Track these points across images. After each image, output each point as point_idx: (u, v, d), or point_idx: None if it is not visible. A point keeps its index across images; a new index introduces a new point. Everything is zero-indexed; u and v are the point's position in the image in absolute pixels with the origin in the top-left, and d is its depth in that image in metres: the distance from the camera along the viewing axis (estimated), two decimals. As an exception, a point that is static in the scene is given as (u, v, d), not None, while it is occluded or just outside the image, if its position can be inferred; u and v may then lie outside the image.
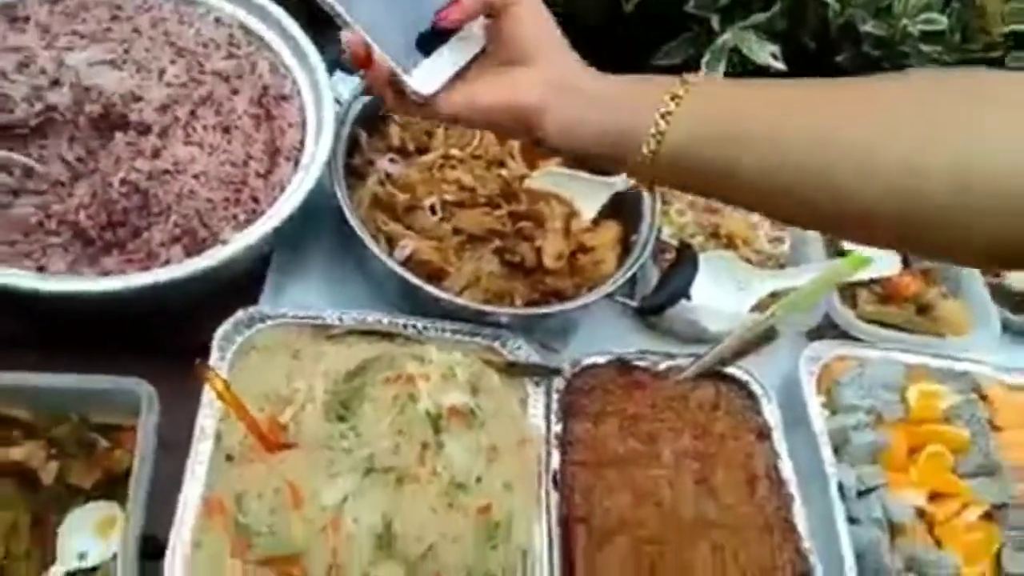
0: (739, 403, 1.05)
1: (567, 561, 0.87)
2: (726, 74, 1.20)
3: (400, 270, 0.94)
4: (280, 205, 0.92)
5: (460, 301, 0.95)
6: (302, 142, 1.00)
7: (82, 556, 0.74)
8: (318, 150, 0.98)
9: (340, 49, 1.13)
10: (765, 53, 1.18)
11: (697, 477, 0.97)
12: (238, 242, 0.87)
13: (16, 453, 0.75)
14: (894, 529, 0.97)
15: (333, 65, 1.10)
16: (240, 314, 0.89)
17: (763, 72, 1.19)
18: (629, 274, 1.02)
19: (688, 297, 1.09)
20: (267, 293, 0.99)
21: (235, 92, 1.01)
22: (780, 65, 1.19)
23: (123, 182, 0.89)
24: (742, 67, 1.21)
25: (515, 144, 1.18)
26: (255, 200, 0.94)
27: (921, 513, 1.00)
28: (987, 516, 1.03)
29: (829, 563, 0.93)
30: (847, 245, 1.19)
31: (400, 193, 1.04)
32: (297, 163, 0.98)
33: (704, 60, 1.24)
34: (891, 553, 0.94)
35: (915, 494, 1.01)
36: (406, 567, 0.76)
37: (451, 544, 0.78)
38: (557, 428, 0.95)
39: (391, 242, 1.01)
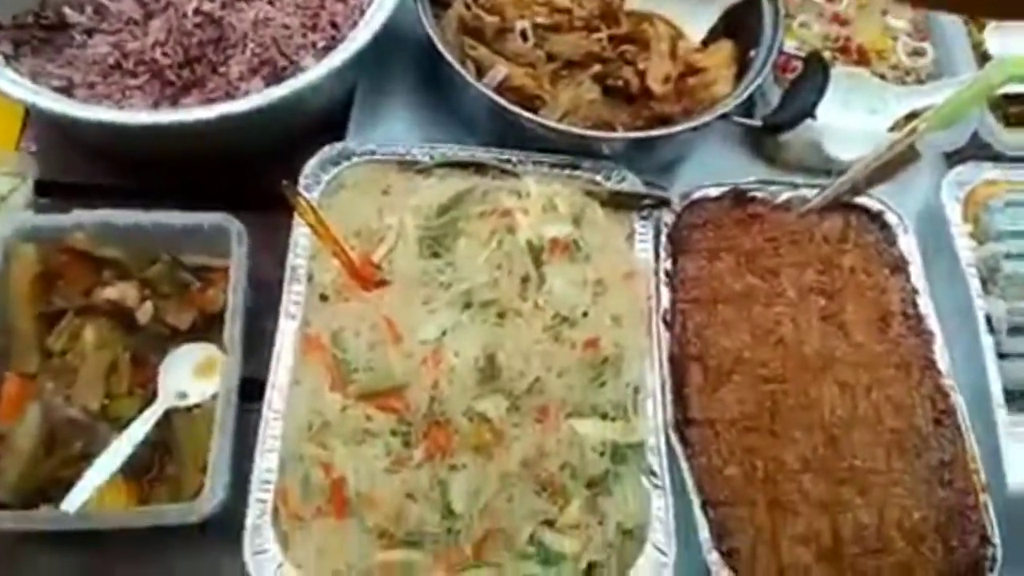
0: (871, 235, 0.92)
1: (680, 400, 0.79)
2: None
3: (493, 96, 0.84)
4: (361, 30, 0.82)
5: (560, 127, 0.84)
6: (382, -38, 0.89)
7: (182, 395, 0.71)
8: (398, -29, 0.86)
9: None
10: None
11: (824, 313, 0.86)
12: (318, 69, 0.78)
13: (111, 292, 0.72)
14: (1052, 366, 0.84)
15: None
16: (326, 150, 0.82)
17: None
18: (747, 93, 0.88)
19: (814, 116, 0.95)
20: (353, 128, 0.91)
21: (309, -95, 0.90)
22: None
23: (196, 12, 0.82)
24: None
25: (614, -38, 1.03)
26: (334, 25, 0.85)
27: (1084, 349, 0.86)
28: None
29: (974, 401, 0.82)
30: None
31: (488, 16, 0.92)
32: (377, -16, 0.87)
33: None
34: (1048, 391, 0.82)
35: (1076, 328, 0.87)
36: (510, 400, 0.70)
37: (557, 378, 0.71)
38: (667, 264, 0.85)
39: (480, 69, 0.90)
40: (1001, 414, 0.81)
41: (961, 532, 0.77)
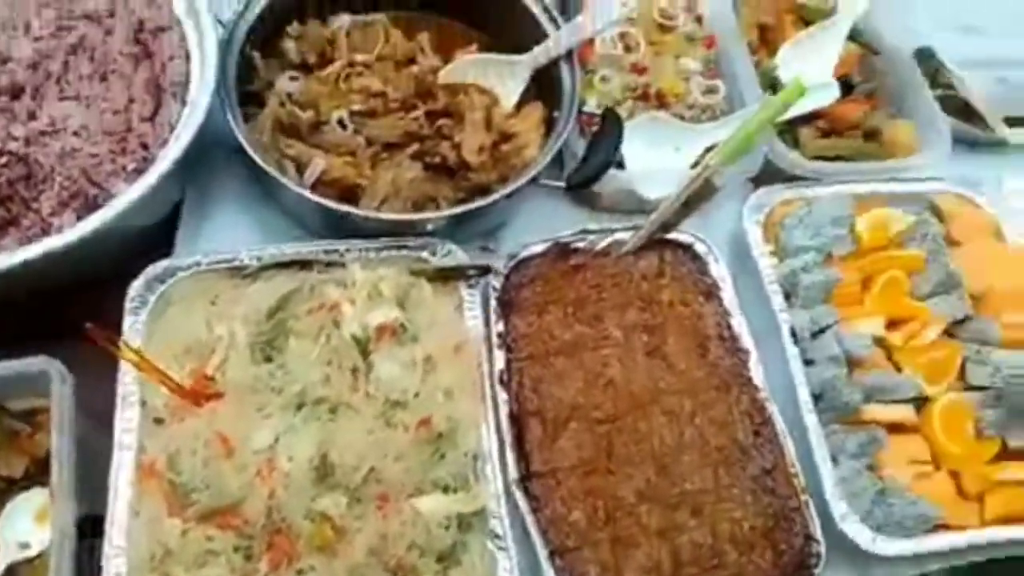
0: (685, 267, 0.98)
1: (523, 455, 0.83)
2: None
3: (309, 195, 0.86)
4: (171, 148, 0.83)
5: (377, 215, 0.87)
6: (187, 75, 0.90)
7: (24, 546, 0.71)
8: (204, 81, 0.88)
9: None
10: None
11: (647, 348, 0.92)
12: (129, 195, 0.79)
13: (-64, 453, 0.71)
14: (852, 363, 0.92)
15: (210, -15, 0.97)
16: (150, 269, 0.83)
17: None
18: (551, 155, 0.93)
19: (621, 166, 1.01)
20: (181, 241, 0.91)
21: (109, 33, 0.91)
22: None
23: (1, 153, 0.81)
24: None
25: (425, 37, 1.07)
26: (144, 147, 0.85)
27: (880, 342, 0.94)
28: (948, 334, 0.97)
29: (787, 407, 0.89)
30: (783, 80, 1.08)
31: (302, 111, 0.95)
32: (185, 98, 0.89)
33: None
34: (849, 387, 0.89)
35: (872, 324, 0.95)
36: (348, 494, 0.72)
37: (394, 463, 0.74)
38: (499, 327, 0.89)
39: (300, 166, 0.92)
40: (811, 419, 0.88)
41: (788, 535, 0.83)
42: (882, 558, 0.83)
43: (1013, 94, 1.15)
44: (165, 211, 0.91)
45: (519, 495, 0.80)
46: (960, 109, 1.15)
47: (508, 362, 0.87)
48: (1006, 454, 0.91)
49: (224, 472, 0.70)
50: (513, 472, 0.81)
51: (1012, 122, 1.17)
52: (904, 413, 0.91)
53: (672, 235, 0.98)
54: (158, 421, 0.75)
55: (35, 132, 0.82)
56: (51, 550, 0.67)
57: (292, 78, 0.99)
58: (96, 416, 0.75)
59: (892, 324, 0.96)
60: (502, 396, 0.85)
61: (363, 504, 0.72)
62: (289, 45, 1.01)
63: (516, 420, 0.85)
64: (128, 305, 0.80)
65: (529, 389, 0.87)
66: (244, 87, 0.96)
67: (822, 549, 0.82)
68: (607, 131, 0.95)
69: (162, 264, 0.83)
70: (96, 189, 0.82)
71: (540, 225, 0.99)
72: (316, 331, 0.79)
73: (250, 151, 0.86)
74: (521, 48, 1.03)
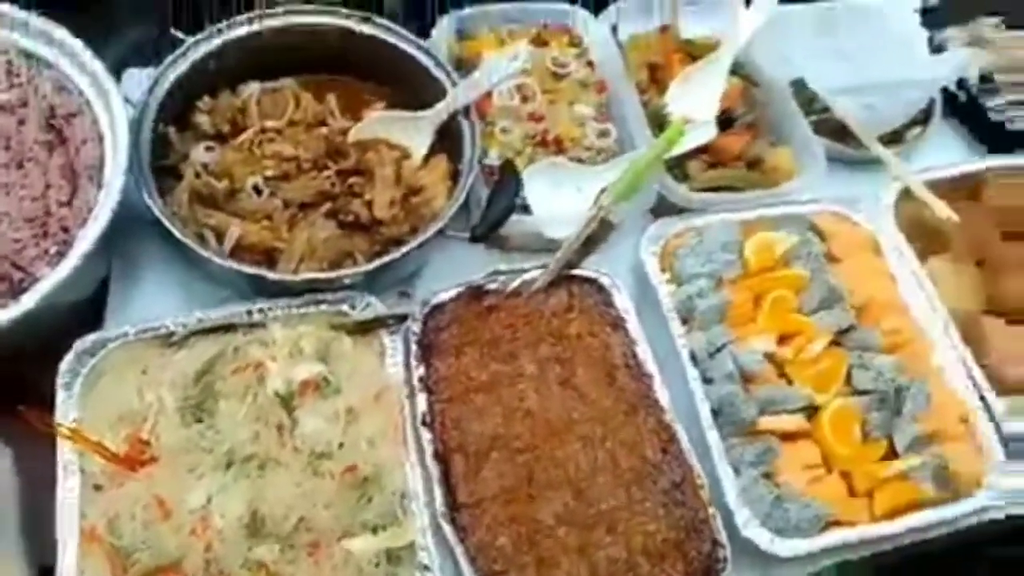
0: (591, 299, 1.06)
1: (449, 489, 0.90)
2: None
3: (226, 262, 0.92)
4: (90, 228, 0.88)
5: (291, 278, 0.93)
6: (101, 157, 0.95)
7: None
8: (117, 162, 0.93)
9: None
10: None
11: (560, 380, 0.99)
12: (53, 277, 0.84)
13: None
14: (747, 379, 1.00)
15: (119, 65, 1.03)
16: (79, 344, 0.87)
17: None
18: (455, 207, 1.00)
19: (527, 210, 1.09)
20: (110, 314, 0.96)
21: (22, 122, 0.96)
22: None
23: (-75, 245, 0.85)
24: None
25: (333, 99, 1.14)
26: (65, 229, 0.90)
27: (772, 357, 1.03)
28: (835, 343, 1.06)
29: (690, 424, 0.97)
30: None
31: (218, 181, 1.01)
32: (100, 180, 0.94)
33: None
34: (746, 402, 0.98)
35: (764, 341, 1.04)
36: (281, 542, 0.78)
37: (322, 510, 0.80)
38: (419, 371, 0.96)
39: (219, 234, 0.98)
40: (712, 435, 0.96)
41: (697, 543, 0.91)
42: (781, 559, 0.91)
43: (880, 116, 1.26)
44: (92, 287, 0.95)
45: (446, 526, 0.86)
46: (836, 131, 1.27)
47: (430, 404, 0.94)
48: (893, 453, 1.01)
49: (162, 533, 0.76)
50: (440, 505, 0.87)
51: (886, 140, 1.28)
52: (796, 422, 0.99)
53: (578, 271, 1.07)
54: (97, 488, 0.79)
55: (-43, 222, 0.87)
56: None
57: (207, 148, 1.05)
58: (42, 479, 0.78)
59: (783, 339, 1.05)
60: (426, 436, 0.91)
61: (296, 550, 0.78)
62: (201, 118, 1.07)
63: (441, 457, 0.91)
64: (60, 380, 0.84)
65: (451, 427, 0.94)
66: (160, 162, 1.01)
67: (728, 553, 0.90)
68: (504, 183, 1.03)
69: (91, 338, 0.88)
70: (21, 273, 0.86)
71: (454, 269, 1.06)
72: (242, 391, 0.85)
73: (168, 225, 0.91)
74: (425, 104, 1.11)
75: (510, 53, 1.11)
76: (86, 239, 0.87)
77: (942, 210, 1.13)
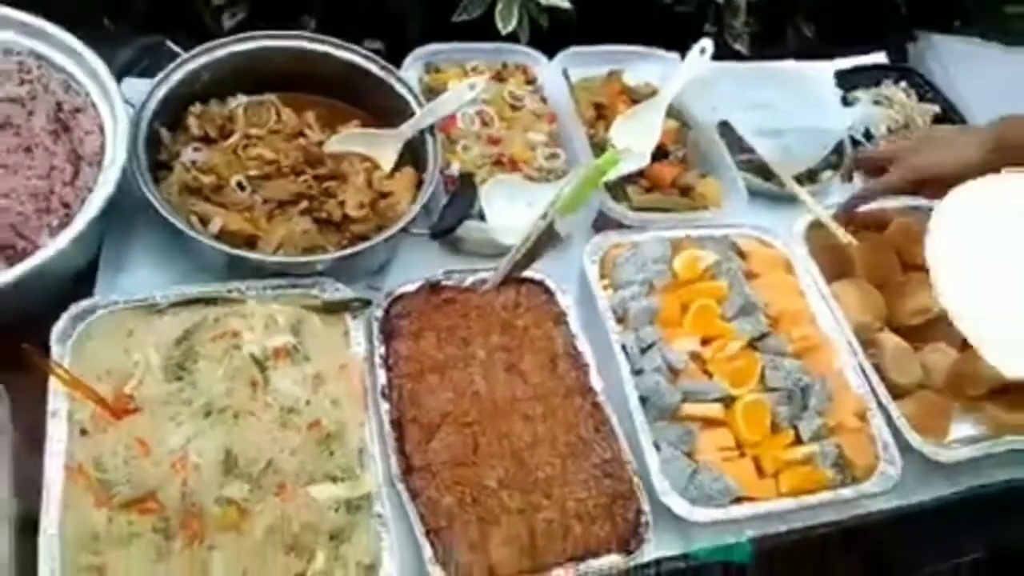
0: (538, 299, 1.19)
1: (403, 454, 1.00)
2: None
3: (212, 242, 1.03)
4: (88, 208, 0.99)
5: (271, 258, 1.05)
6: (102, 146, 1.06)
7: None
8: (117, 151, 1.04)
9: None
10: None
11: (507, 365, 1.11)
12: (53, 246, 0.94)
13: None
14: (673, 373, 1.14)
15: (122, 73, 1.15)
16: (73, 307, 0.96)
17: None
18: (418, 208, 1.13)
19: (483, 218, 1.23)
20: (100, 286, 1.06)
21: (31, 113, 1.07)
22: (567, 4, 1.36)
23: (-64, 212, 0.94)
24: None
25: (311, 115, 1.27)
26: (66, 205, 1.00)
27: (696, 356, 1.17)
28: (751, 347, 1.21)
29: (620, 408, 1.09)
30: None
31: (205, 176, 1.12)
32: (100, 165, 1.04)
33: (498, 10, 1.37)
34: (670, 391, 1.11)
35: (689, 341, 1.18)
36: (251, 483, 0.87)
37: (289, 456, 0.89)
38: (381, 350, 1.07)
39: (204, 221, 1.09)
40: (639, 417, 1.08)
41: (624, 510, 1.02)
42: (698, 524, 1.03)
43: (795, 156, 1.45)
44: (86, 260, 1.05)
45: (400, 486, 0.97)
46: (758, 170, 1.45)
47: (389, 379, 1.05)
48: (799, 442, 1.15)
49: (143, 467, 0.84)
50: (395, 468, 0.98)
51: (800, 179, 1.46)
52: (715, 410, 1.13)
53: (528, 273, 1.20)
54: (83, 432, 0.88)
55: (-31, 195, 0.97)
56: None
57: (196, 149, 1.16)
58: (27, 432, 0.87)
59: (705, 341, 1.20)
60: (384, 406, 1.02)
61: (264, 491, 0.87)
62: (192, 121, 1.19)
63: (397, 425, 1.02)
64: (54, 336, 0.93)
65: (407, 400, 1.04)
66: (153, 158, 1.12)
67: (650, 519, 1.01)
68: (462, 190, 1.17)
69: (84, 303, 0.97)
70: (25, 242, 0.96)
71: (415, 269, 1.18)
72: (220, 354, 0.95)
73: (159, 208, 1.02)
74: (394, 123, 1.25)
75: (471, 82, 1.26)
76: (85, 213, 0.97)
77: (844, 236, 1.30)
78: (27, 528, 0.82)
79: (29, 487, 0.85)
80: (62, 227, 0.98)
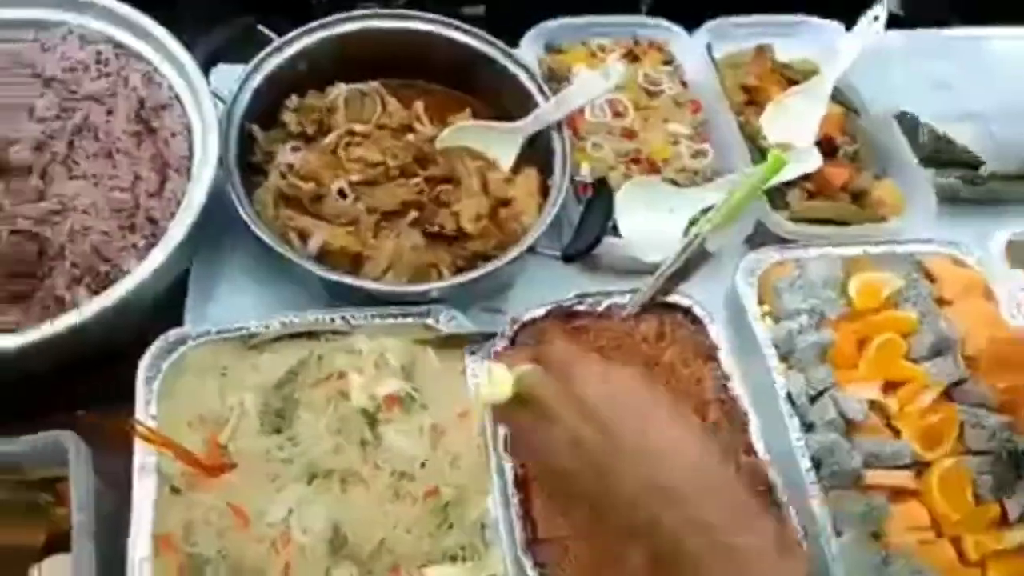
0: (684, 329, 1.06)
1: (529, 522, 0.90)
2: None
3: (312, 267, 0.94)
4: (177, 223, 0.91)
5: (378, 287, 0.95)
6: (190, 149, 0.99)
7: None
8: (207, 155, 0.96)
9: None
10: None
11: (650, 412, 0.99)
12: (141, 271, 0.86)
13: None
14: (849, 427, 0.99)
15: (209, 61, 1.06)
16: (161, 340, 0.89)
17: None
18: (546, 223, 1.01)
19: (617, 233, 1.10)
20: (190, 312, 0.99)
21: (111, 112, 0.99)
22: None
23: (13, 232, 0.89)
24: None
25: (420, 105, 1.16)
26: (152, 221, 0.93)
27: (876, 405, 1.02)
28: (946, 396, 1.04)
29: (788, 474, 0.95)
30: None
31: (303, 183, 1.03)
32: (189, 172, 0.97)
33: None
34: (850, 453, 0.96)
35: (868, 387, 1.02)
36: (360, 565, 0.78)
37: (404, 534, 0.80)
38: (503, 392, 0.96)
39: (304, 237, 1.00)
40: (812, 489, 0.94)
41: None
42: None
43: (997, 149, 1.25)
44: (174, 282, 0.97)
45: (526, 561, 0.86)
46: (951, 167, 1.26)
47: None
48: (1004, 519, 0.98)
49: (240, 543, 0.77)
50: (520, 538, 0.87)
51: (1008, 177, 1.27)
52: (904, 479, 0.98)
53: (671, 297, 1.07)
54: (175, 490, 0.81)
55: (45, 212, 0.90)
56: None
57: (294, 148, 1.07)
58: (114, 479, 0.80)
59: (888, 387, 1.04)
60: (507, 464, 0.91)
61: (375, 575, 0.78)
62: (288, 117, 1.10)
63: (522, 485, 0.91)
64: (141, 375, 0.86)
65: (533, 454, 0.94)
66: (246, 159, 1.04)
67: (827, 609, 0.89)
68: (599, 204, 1.04)
69: (173, 334, 0.90)
70: (107, 265, 0.89)
71: (538, 288, 1.07)
72: (324, 402, 0.86)
73: (254, 227, 0.94)
74: (512, 114, 1.13)
75: (604, 70, 1.12)
76: (175, 233, 0.89)
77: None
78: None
79: (115, 542, 0.78)
80: (149, 247, 0.90)
